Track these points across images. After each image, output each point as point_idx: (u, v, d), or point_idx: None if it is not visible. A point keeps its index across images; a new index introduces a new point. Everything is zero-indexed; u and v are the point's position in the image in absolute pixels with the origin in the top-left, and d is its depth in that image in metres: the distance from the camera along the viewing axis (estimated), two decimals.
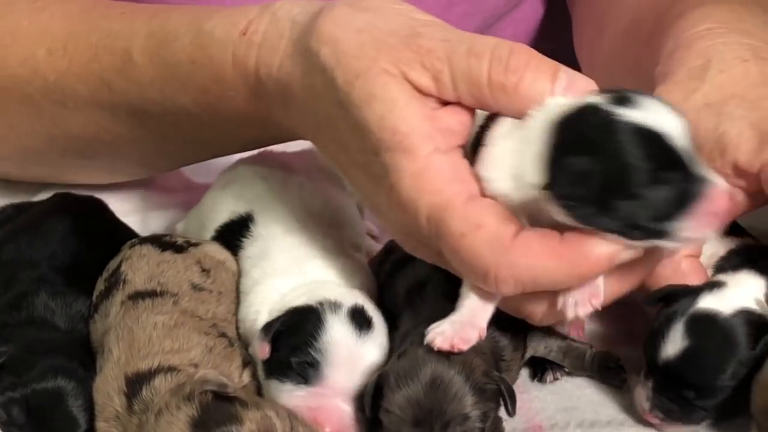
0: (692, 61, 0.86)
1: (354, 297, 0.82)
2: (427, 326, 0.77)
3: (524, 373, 0.85)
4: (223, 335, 0.83)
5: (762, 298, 0.81)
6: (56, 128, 0.98)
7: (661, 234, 0.70)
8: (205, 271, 0.86)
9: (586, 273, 0.72)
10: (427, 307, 0.81)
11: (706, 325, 0.78)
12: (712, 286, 0.81)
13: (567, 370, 0.84)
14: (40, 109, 0.97)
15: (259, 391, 0.82)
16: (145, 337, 0.80)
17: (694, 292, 0.80)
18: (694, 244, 0.80)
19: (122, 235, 0.94)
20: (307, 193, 0.92)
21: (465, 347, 0.74)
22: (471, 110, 0.76)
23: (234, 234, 0.90)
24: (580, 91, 0.73)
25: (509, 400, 0.76)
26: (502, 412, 0.77)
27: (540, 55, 0.75)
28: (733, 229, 0.86)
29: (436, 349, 0.74)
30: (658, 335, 0.79)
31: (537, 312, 0.76)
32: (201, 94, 0.88)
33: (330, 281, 0.84)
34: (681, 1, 0.93)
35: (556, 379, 0.85)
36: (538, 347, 0.84)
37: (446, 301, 0.79)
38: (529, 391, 0.84)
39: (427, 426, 0.74)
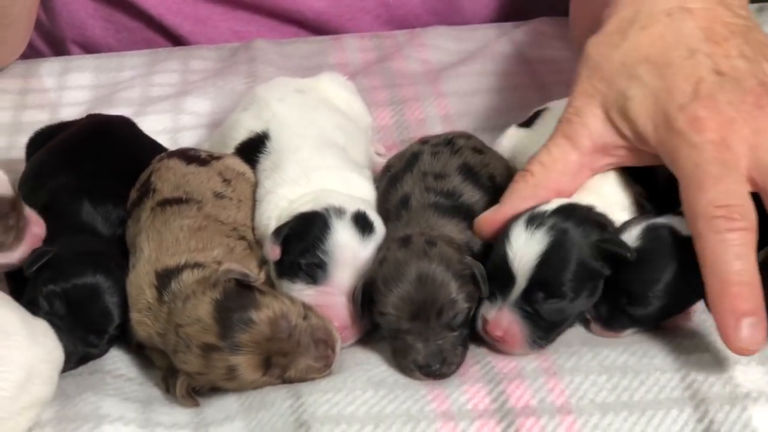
0: (624, 10, 0.88)
1: (356, 204, 0.88)
2: (405, 232, 0.85)
3: None
4: (242, 238, 0.89)
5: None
6: None
7: None
8: (226, 181, 0.92)
9: None
10: (413, 217, 0.88)
11: (660, 235, 0.83)
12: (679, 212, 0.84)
13: None
14: None
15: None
16: (173, 238, 0.86)
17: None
18: None
19: (152, 149, 1.00)
20: (319, 114, 0.99)
21: None
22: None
23: (252, 150, 0.96)
24: None
25: (482, 281, 0.83)
26: None
27: None
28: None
29: None
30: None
31: None
32: None
33: (335, 190, 0.89)
34: None
35: None
36: None
37: (429, 210, 0.88)
38: None
39: (423, 317, 0.81)
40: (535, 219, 0.84)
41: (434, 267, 0.82)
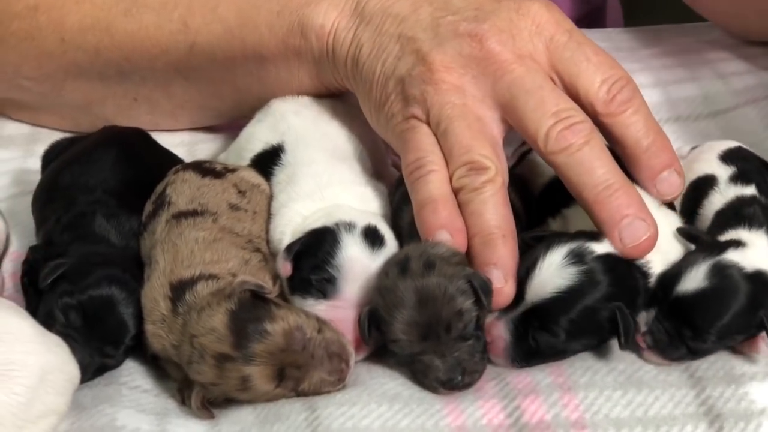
0: None
1: (367, 218, 0.88)
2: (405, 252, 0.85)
3: None
4: (257, 250, 0.89)
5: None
6: None
7: None
8: (241, 192, 0.93)
9: None
10: None
11: (729, 274, 0.82)
12: (737, 243, 0.84)
13: None
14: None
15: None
16: (188, 250, 0.86)
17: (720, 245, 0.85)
18: None
19: (167, 161, 1.00)
20: (334, 127, 1.00)
21: None
22: None
23: (266, 162, 0.97)
24: None
25: (482, 293, 0.82)
26: None
27: None
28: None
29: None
30: (680, 269, 0.83)
31: None
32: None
33: (347, 205, 0.90)
34: None
35: None
36: None
37: None
38: None
39: (434, 335, 0.81)
40: (577, 255, 0.83)
41: (433, 287, 0.82)
